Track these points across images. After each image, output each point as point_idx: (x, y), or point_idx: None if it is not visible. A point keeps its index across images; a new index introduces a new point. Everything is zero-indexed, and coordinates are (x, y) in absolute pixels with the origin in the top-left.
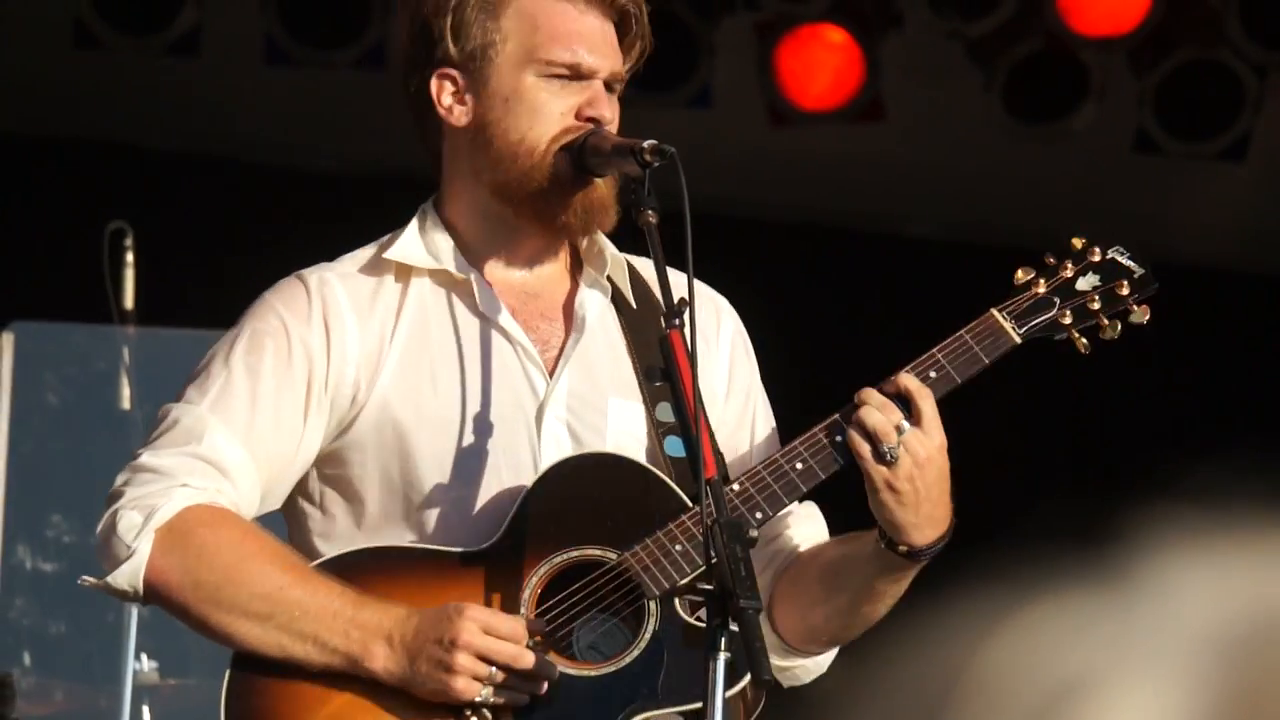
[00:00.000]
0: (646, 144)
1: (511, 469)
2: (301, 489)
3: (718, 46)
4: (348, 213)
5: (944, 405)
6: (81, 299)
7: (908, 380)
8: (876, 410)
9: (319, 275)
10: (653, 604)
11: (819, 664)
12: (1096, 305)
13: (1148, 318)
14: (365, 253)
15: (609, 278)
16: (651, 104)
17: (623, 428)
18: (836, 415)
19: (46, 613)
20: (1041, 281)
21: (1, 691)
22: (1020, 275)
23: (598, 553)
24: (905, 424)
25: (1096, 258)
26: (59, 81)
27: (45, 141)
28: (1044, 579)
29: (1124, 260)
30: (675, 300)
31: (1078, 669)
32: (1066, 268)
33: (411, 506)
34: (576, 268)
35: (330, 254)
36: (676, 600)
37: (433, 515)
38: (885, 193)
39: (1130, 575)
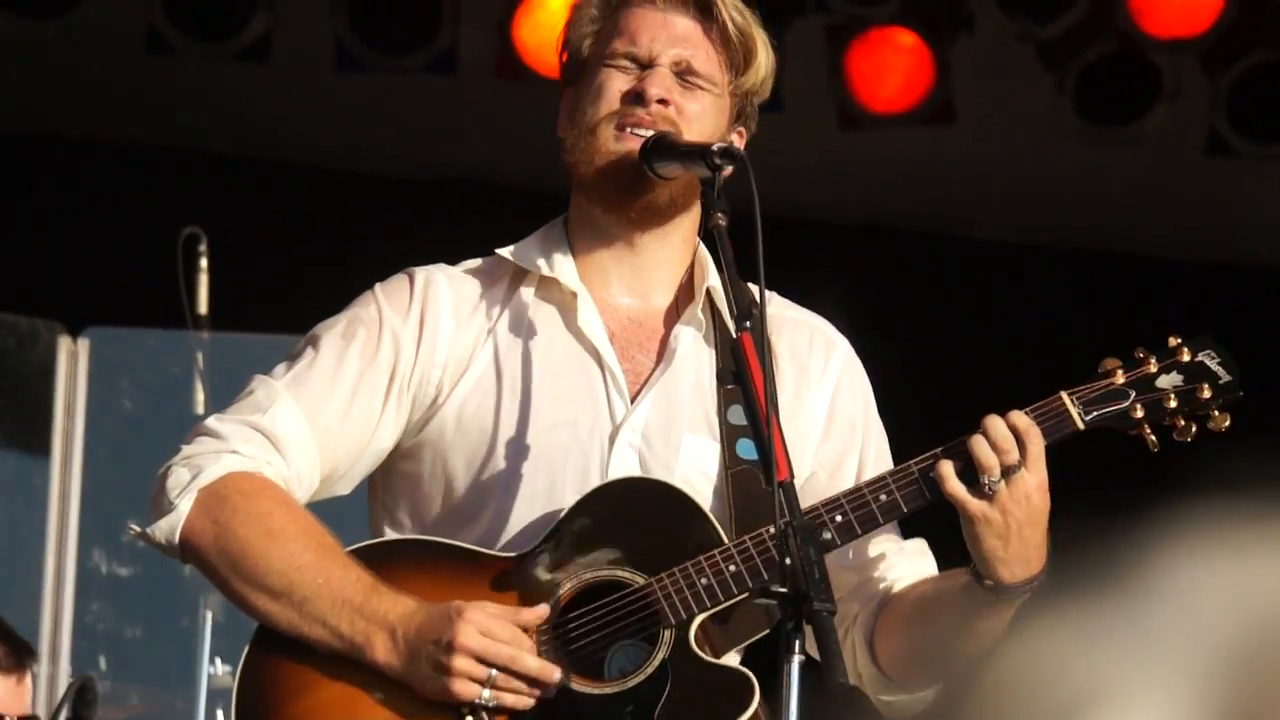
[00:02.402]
0: (716, 146)
1: (576, 486)
2: (381, 479)
3: (788, 50)
4: (419, 217)
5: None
6: (156, 304)
7: (1018, 418)
8: (985, 444)
9: (427, 274)
10: (667, 632)
11: (918, 700)
12: (1173, 404)
13: (1228, 425)
14: (486, 258)
15: (714, 311)
16: None
17: (693, 464)
18: (938, 450)
19: (122, 617)
20: (1121, 373)
21: (83, 694)
22: (1105, 364)
23: (626, 575)
24: (1018, 463)
25: (1185, 357)
26: (132, 88)
27: (119, 148)
28: (1060, 583)
29: (1212, 364)
30: (746, 302)
31: (1092, 676)
32: (1151, 363)
33: (472, 509)
34: (690, 301)
35: (400, 258)
36: (691, 632)
37: (490, 520)
38: (955, 195)
39: (1147, 577)
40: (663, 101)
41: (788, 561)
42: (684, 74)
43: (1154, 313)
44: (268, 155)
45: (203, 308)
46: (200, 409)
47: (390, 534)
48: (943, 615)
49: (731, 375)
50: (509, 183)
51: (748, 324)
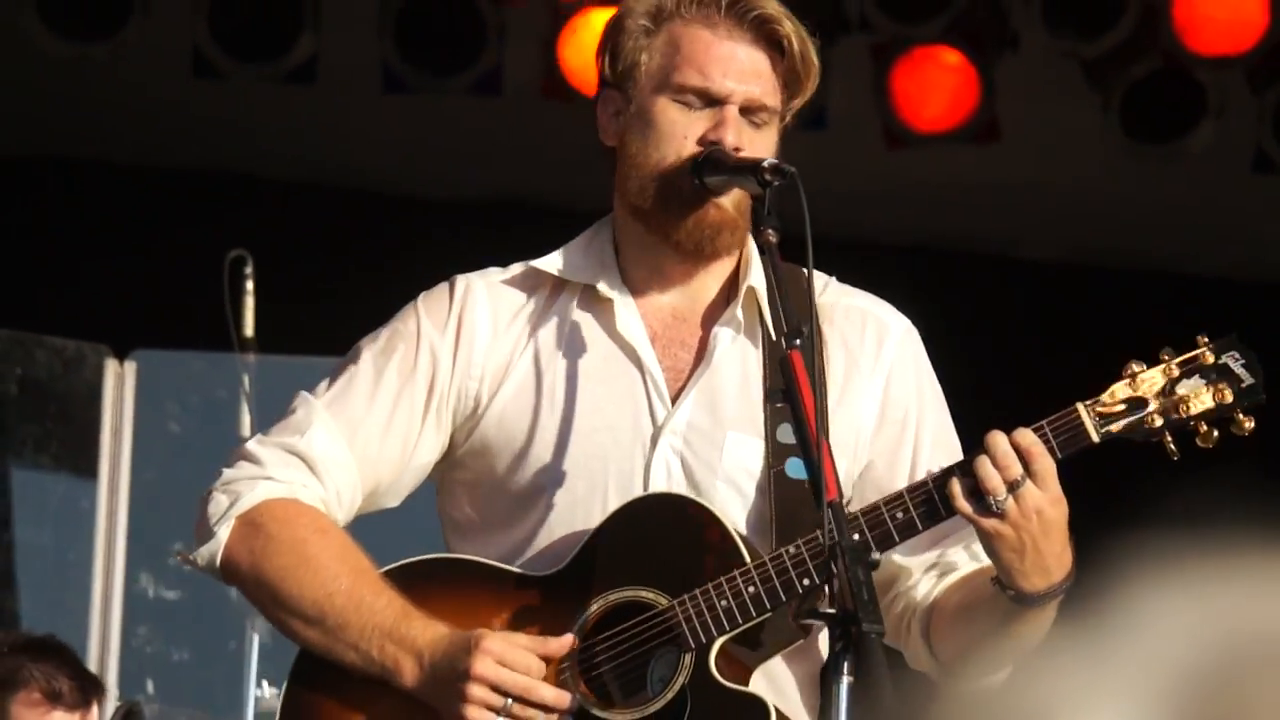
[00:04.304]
0: (766, 163)
1: (618, 491)
2: (441, 488)
3: (833, 69)
4: (465, 238)
5: None
6: (202, 327)
7: (1022, 436)
8: (989, 463)
9: (466, 283)
10: (687, 656)
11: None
12: (1194, 410)
13: (1250, 427)
14: (528, 263)
15: (758, 309)
16: None
17: (736, 462)
18: (952, 465)
19: (169, 640)
20: (1141, 379)
21: (131, 718)
22: (1128, 368)
23: (651, 596)
24: (1022, 479)
25: (1209, 360)
26: (179, 111)
27: (165, 170)
28: None
29: (1236, 367)
30: (796, 320)
31: (1049, 698)
32: (1172, 368)
33: (514, 516)
34: (734, 297)
35: (446, 280)
36: (711, 656)
37: (530, 527)
38: (1001, 214)
39: (1105, 602)
40: (737, 149)
41: (835, 583)
42: (752, 111)
43: (1202, 331)
44: (314, 177)
45: (249, 330)
46: (246, 431)
47: (454, 541)
48: (981, 621)
49: (780, 394)
50: (555, 203)
51: (798, 341)
